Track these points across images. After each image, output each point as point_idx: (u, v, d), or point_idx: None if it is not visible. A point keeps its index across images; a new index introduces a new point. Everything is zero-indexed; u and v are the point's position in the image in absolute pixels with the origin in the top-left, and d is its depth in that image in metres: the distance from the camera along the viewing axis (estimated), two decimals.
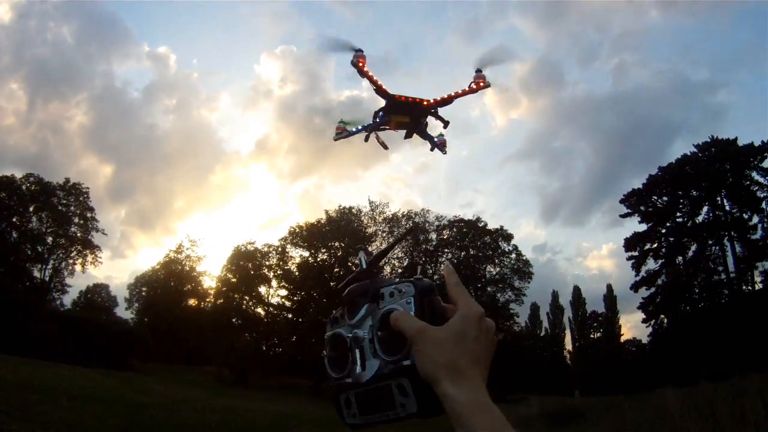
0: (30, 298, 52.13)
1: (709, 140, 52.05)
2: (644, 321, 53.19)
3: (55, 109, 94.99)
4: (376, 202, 60.28)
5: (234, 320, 57.45)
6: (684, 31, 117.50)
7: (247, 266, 58.59)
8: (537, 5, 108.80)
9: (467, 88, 13.80)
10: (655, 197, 53.13)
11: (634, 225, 55.75)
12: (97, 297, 63.43)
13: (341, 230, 55.34)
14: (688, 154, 52.66)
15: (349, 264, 55.32)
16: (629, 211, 55.10)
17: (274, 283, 59.64)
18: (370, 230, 57.95)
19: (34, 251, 57.02)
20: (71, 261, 58.89)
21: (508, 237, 59.52)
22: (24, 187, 57.62)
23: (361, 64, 13.21)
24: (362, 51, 13.42)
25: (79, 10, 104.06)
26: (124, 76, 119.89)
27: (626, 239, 54.81)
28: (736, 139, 50.49)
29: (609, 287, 65.42)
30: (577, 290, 65.65)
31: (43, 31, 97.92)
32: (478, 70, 13.95)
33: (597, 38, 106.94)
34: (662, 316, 52.41)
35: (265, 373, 52.93)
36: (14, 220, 56.78)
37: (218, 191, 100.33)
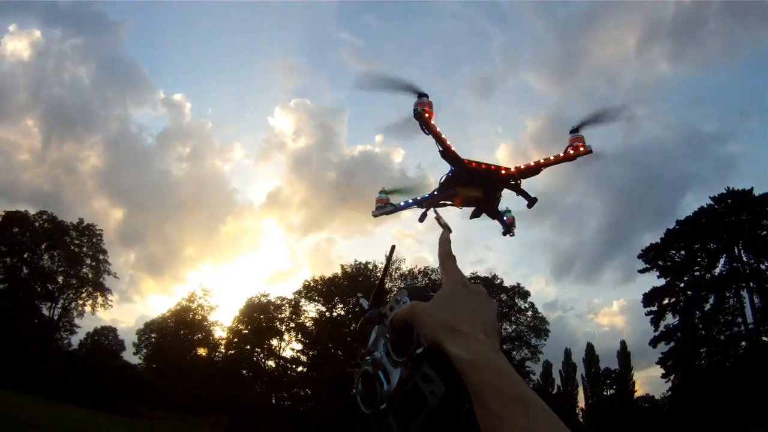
0: (38, 336, 50.93)
1: (725, 191, 52.42)
2: (664, 376, 52.34)
3: (70, 149, 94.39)
4: (393, 260, 59.33)
5: (244, 371, 56.23)
6: (692, 82, 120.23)
7: (260, 318, 57.98)
8: (548, 62, 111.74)
9: (562, 154, 10.89)
10: (673, 251, 53.50)
11: (650, 280, 55.63)
12: (104, 340, 61.70)
13: (358, 285, 55.01)
14: (705, 206, 53.15)
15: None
16: (647, 266, 55.01)
17: (286, 336, 59.07)
18: (386, 286, 57.18)
19: (45, 289, 55.94)
20: (81, 302, 57.99)
21: (525, 294, 59.40)
22: (37, 224, 57.26)
23: (427, 116, 10.23)
24: (428, 97, 10.36)
25: (97, 53, 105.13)
26: (139, 121, 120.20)
27: (645, 294, 54.32)
28: (751, 189, 50.70)
29: (623, 344, 64.63)
30: (590, 347, 64.79)
31: (61, 71, 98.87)
32: (574, 130, 11.00)
33: (608, 92, 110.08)
34: (680, 371, 51.70)
35: (274, 425, 51.18)
36: (26, 256, 56.04)
37: (229, 242, 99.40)
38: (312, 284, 58.38)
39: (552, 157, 11.02)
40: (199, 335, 62.16)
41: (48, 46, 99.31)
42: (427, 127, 10.51)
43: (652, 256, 54.27)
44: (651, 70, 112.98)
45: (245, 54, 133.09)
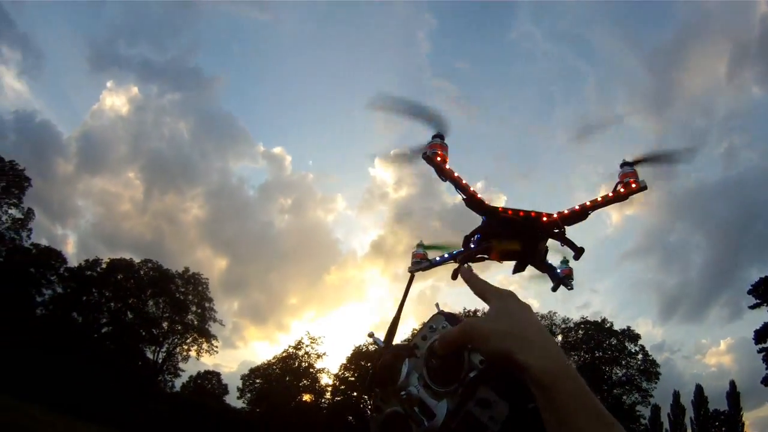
0: (142, 377, 51.56)
1: None
2: None
3: (171, 200, 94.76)
4: None
5: (350, 418, 55.64)
6: None
7: (367, 366, 55.99)
8: (642, 96, 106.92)
9: (612, 193, 8.46)
10: None
11: (761, 316, 52.62)
12: (207, 383, 62.16)
13: None
14: None
15: None
16: (758, 301, 52.12)
17: None
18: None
19: (149, 333, 56.47)
20: (186, 347, 58.57)
21: (635, 337, 56.67)
22: (142, 271, 58.07)
23: (439, 159, 7.91)
24: (443, 138, 8.19)
25: (194, 107, 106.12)
26: (239, 173, 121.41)
27: (756, 331, 51.80)
28: None
29: (732, 384, 61.70)
30: (699, 389, 61.98)
31: (160, 126, 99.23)
32: (628, 164, 8.71)
33: (704, 123, 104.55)
34: None
35: None
36: (130, 301, 56.67)
37: (333, 291, 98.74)
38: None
39: (600, 198, 8.35)
40: (305, 381, 60.99)
41: (146, 101, 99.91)
42: (441, 173, 7.94)
43: (762, 291, 51.08)
44: (744, 95, 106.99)
45: (342, 105, 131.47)
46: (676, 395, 63.51)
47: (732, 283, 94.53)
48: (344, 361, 60.73)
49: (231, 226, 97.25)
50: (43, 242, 59.42)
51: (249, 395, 60.54)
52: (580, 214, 8.42)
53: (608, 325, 56.90)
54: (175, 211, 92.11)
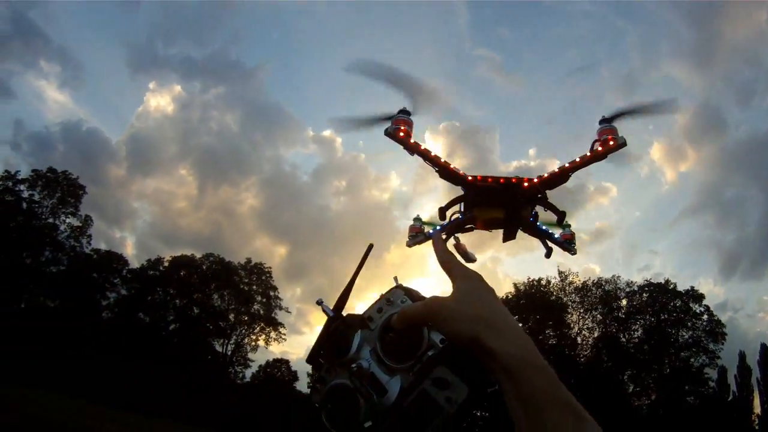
0: (213, 371, 52.35)
1: None
2: None
3: (226, 193, 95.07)
4: (565, 273, 57.59)
5: None
6: None
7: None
8: (686, 50, 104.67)
9: (589, 152, 8.51)
10: None
11: None
12: (277, 371, 63.04)
13: (535, 303, 53.62)
14: None
15: (541, 338, 53.59)
16: None
17: None
18: (560, 301, 55.92)
19: (216, 327, 57.35)
20: (254, 337, 59.21)
21: (699, 297, 55.17)
22: (204, 266, 58.69)
23: (402, 134, 8.23)
24: (408, 114, 8.46)
25: (240, 99, 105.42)
26: (291, 160, 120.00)
27: None
28: None
29: None
30: (764, 348, 61.39)
31: (207, 121, 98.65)
32: (605, 120, 8.59)
33: (751, 74, 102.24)
34: None
35: None
36: (195, 297, 57.42)
37: (395, 269, 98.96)
38: None
39: (578, 159, 8.48)
40: None
41: (190, 98, 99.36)
42: (406, 148, 8.34)
43: None
44: None
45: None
46: (742, 356, 62.86)
47: None
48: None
49: (288, 213, 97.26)
50: (102, 247, 60.39)
51: None
52: (560, 177, 8.43)
53: (671, 286, 56.60)
54: (230, 204, 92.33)
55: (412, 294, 1.02)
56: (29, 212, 57.86)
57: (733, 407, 59.96)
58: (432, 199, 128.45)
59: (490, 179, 8.70)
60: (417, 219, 10.51)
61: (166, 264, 59.21)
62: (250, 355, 59.20)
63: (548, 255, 9.47)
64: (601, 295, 55.83)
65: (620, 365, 52.81)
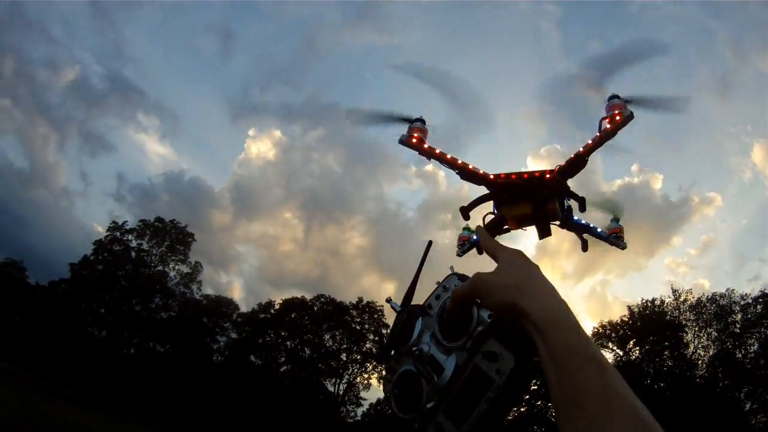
0: (324, 411, 52.85)
1: None
2: None
3: (332, 233, 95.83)
4: (679, 291, 55.85)
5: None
6: None
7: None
8: None
9: (599, 132, 8.51)
10: None
11: None
12: (388, 409, 62.68)
13: (652, 325, 53.65)
14: None
15: (658, 360, 53.77)
16: None
17: None
18: (676, 321, 55.79)
19: (328, 367, 57.63)
20: (366, 375, 59.37)
21: None
22: (315, 307, 59.25)
23: (415, 141, 8.23)
24: (423, 122, 8.51)
25: (340, 139, 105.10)
26: (395, 197, 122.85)
27: None
28: None
29: None
30: None
31: (309, 163, 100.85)
32: (615, 96, 8.66)
33: None
34: None
35: None
36: (306, 338, 58.04)
37: None
38: (601, 330, 57.55)
39: (590, 141, 8.84)
40: None
41: (290, 142, 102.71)
42: (421, 153, 8.65)
43: None
44: None
45: (484, 110, 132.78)
46: None
47: None
48: None
49: (394, 250, 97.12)
50: (210, 292, 61.57)
51: None
52: (577, 163, 8.85)
53: None
54: (336, 243, 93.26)
55: (464, 278, 1.10)
56: (138, 260, 59.33)
57: None
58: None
59: (513, 176, 9.28)
60: (466, 228, 11.32)
61: (276, 307, 59.97)
62: (363, 394, 59.11)
63: (584, 248, 10.41)
64: (715, 311, 55.14)
65: (737, 382, 52.25)
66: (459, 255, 10.70)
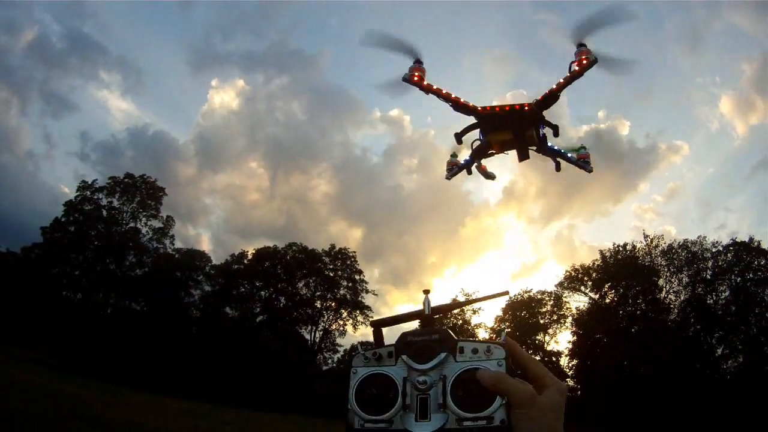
0: (302, 360, 53.17)
1: None
2: None
3: (297, 181, 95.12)
4: (650, 236, 57.01)
5: None
6: None
7: (523, 314, 57.69)
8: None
9: (569, 73, 10.31)
10: None
11: None
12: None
13: (627, 268, 53.76)
14: None
15: (632, 303, 54.26)
16: None
17: (551, 330, 58.40)
18: (650, 266, 55.83)
19: (304, 315, 58.30)
20: (341, 322, 59.70)
21: None
22: (288, 256, 59.34)
23: (416, 78, 10.41)
24: (421, 63, 10.57)
25: (304, 87, 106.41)
26: (361, 143, 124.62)
27: None
28: None
29: None
30: None
31: (273, 111, 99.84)
32: (581, 45, 10.28)
33: None
34: None
35: None
36: (280, 286, 58.37)
37: (471, 243, 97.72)
38: (573, 273, 57.39)
39: (562, 80, 10.39)
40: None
41: (254, 91, 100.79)
42: (422, 89, 10.48)
43: None
44: None
45: (451, 53, 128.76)
46: None
47: None
48: (499, 313, 60.56)
49: (361, 196, 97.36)
50: (179, 245, 61.06)
51: None
52: (551, 97, 9.88)
53: (755, 244, 54.58)
54: (303, 191, 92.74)
55: (516, 356, 1.05)
56: (110, 219, 59.06)
57: None
58: (504, 169, 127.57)
59: (497, 108, 10.35)
60: (452, 155, 12.53)
61: (249, 257, 59.96)
62: (339, 341, 60.04)
63: (557, 169, 11.54)
64: (687, 257, 55.60)
65: (708, 327, 52.82)
66: (447, 178, 11.83)
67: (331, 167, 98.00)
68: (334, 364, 59.70)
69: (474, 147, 10.93)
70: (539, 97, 10.26)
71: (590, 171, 11.61)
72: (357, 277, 60.03)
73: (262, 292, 58.34)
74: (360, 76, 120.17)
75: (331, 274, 59.65)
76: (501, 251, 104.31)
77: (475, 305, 57.97)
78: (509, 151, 11.12)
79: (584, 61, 10.25)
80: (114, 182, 59.49)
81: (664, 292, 54.92)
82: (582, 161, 11.47)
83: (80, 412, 16.12)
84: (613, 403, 45.28)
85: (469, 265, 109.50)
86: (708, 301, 54.14)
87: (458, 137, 10.63)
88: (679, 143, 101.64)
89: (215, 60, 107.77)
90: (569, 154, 11.43)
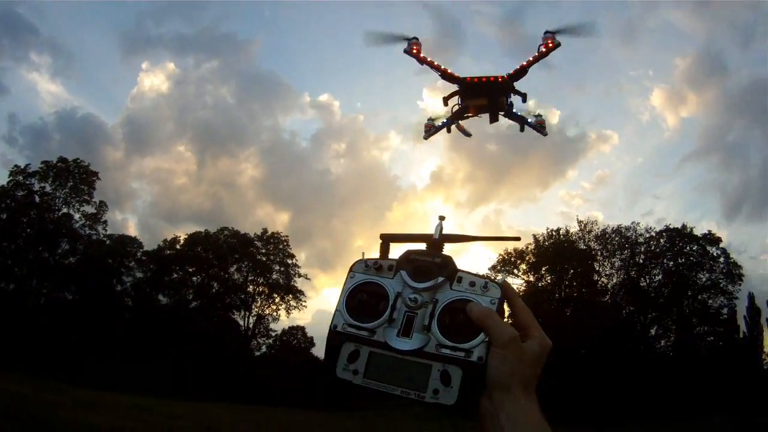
0: (237, 346, 52.32)
1: None
2: None
3: (225, 166, 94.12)
4: (584, 221, 57.96)
5: None
6: None
7: None
8: None
9: (537, 53, 13.08)
10: None
11: None
12: (293, 339, 62.51)
13: (565, 253, 54.12)
14: None
15: (569, 289, 54.46)
16: None
17: None
18: (587, 250, 56.20)
19: (237, 300, 57.79)
20: (275, 307, 59.37)
21: (716, 241, 55.65)
22: (220, 240, 58.73)
23: (415, 51, 12.90)
24: (417, 39, 13.13)
25: (234, 71, 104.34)
26: (290, 127, 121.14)
27: None
28: None
29: None
30: None
31: (202, 95, 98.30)
32: (547, 32, 13.09)
33: (750, 16, 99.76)
34: None
35: None
36: (212, 272, 57.72)
37: (398, 227, 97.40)
38: (506, 257, 57.52)
39: (531, 58, 13.01)
40: None
41: (184, 74, 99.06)
42: (418, 60, 12.88)
43: None
44: None
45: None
46: (751, 297, 62.83)
47: None
48: None
49: (289, 180, 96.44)
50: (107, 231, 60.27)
51: None
52: (521, 72, 13.50)
53: (688, 230, 56.32)
54: (230, 175, 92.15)
55: (511, 301, 1.04)
56: (42, 205, 57.92)
57: (743, 346, 60.18)
58: (432, 155, 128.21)
59: (476, 79, 12.86)
60: (429, 119, 14.89)
61: (181, 242, 59.31)
62: (273, 326, 59.76)
63: (522, 130, 14.25)
64: (620, 242, 56.26)
65: (642, 309, 53.25)
66: (425, 138, 15.35)
67: (259, 151, 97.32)
68: (266, 350, 58.78)
69: (454, 111, 13.71)
70: (511, 71, 12.84)
71: (545, 134, 14.50)
72: (289, 262, 59.66)
73: (194, 278, 57.33)
74: (290, 60, 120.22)
75: (264, 259, 58.94)
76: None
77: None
78: (483, 114, 13.91)
79: (550, 44, 12.95)
80: (47, 166, 58.36)
81: (597, 276, 55.30)
82: (539, 126, 14.27)
83: (16, 414, 15.07)
84: (550, 384, 45.06)
85: (396, 249, 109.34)
86: (641, 284, 54.49)
87: (445, 100, 13.42)
88: (609, 133, 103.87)
89: (146, 43, 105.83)
90: (529, 119, 14.04)
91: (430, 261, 1.04)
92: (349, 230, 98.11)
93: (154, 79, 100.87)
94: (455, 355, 0.95)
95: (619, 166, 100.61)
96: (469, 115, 13.82)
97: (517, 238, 1.50)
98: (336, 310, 1.02)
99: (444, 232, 1.16)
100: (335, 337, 1.00)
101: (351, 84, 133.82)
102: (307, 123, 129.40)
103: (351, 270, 1.08)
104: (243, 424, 25.25)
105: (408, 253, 1.07)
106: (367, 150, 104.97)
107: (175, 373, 42.16)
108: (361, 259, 1.09)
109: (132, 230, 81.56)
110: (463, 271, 1.03)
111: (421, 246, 1.15)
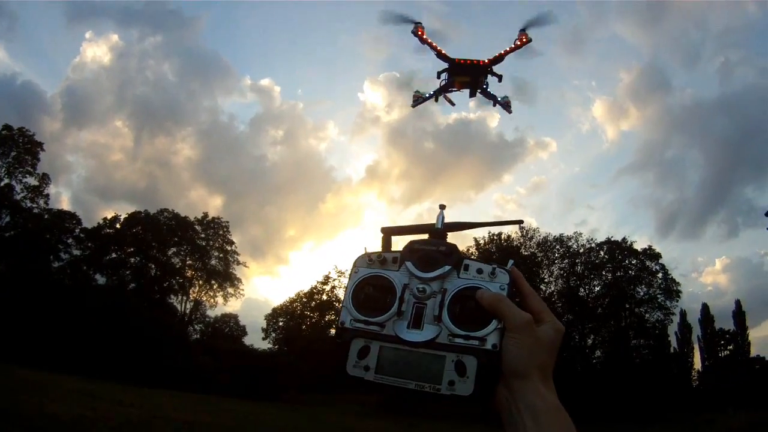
0: (174, 331, 51.40)
1: None
2: None
3: (161, 144, 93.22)
4: (526, 227, 57.75)
5: None
6: None
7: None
8: (635, 9, 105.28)
9: (513, 45, 16.50)
10: None
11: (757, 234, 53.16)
12: (225, 327, 62.38)
13: (510, 257, 53.31)
14: None
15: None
16: None
17: None
18: (533, 257, 56.50)
19: (175, 284, 56.90)
20: (212, 293, 58.63)
21: (655, 256, 57.03)
22: (160, 222, 57.64)
23: (420, 33, 15.98)
24: (421, 23, 16.34)
25: (177, 48, 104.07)
26: (229, 110, 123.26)
27: None
28: None
29: (738, 303, 62.36)
30: (705, 308, 62.87)
31: (143, 70, 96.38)
32: (522, 29, 16.49)
33: (698, 37, 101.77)
34: None
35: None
36: (150, 254, 56.60)
37: (330, 219, 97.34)
38: None
39: (508, 48, 16.34)
40: (331, 316, 59.96)
41: (127, 47, 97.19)
42: (420, 40, 15.80)
43: None
44: (739, 10, 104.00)
45: (327, 30, 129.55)
46: (683, 314, 64.25)
47: (728, 201, 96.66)
48: None
49: (224, 164, 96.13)
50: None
51: (274, 335, 60.70)
52: (499, 59, 18.18)
53: (627, 244, 57.38)
54: (166, 155, 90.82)
55: (519, 286, 1.02)
56: None
57: (674, 361, 61.13)
58: (369, 149, 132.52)
59: (464, 60, 16.01)
60: (416, 91, 18.70)
61: (121, 221, 57.98)
62: (210, 313, 59.03)
63: (494, 105, 18.25)
64: (562, 251, 56.75)
65: (581, 319, 53.54)
66: (412, 107, 21.15)
67: (197, 132, 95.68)
68: (198, 336, 57.67)
69: (441, 84, 17.09)
70: (492, 57, 15.96)
71: (510, 113, 18.59)
72: (228, 248, 58.69)
73: (132, 259, 56.04)
74: (234, 42, 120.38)
75: (203, 243, 57.94)
76: (360, 230, 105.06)
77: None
78: (464, 89, 17.30)
79: (524, 39, 16.28)
80: None
81: (537, 282, 55.70)
82: (506, 105, 18.03)
83: None
84: None
85: (327, 241, 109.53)
86: (580, 294, 54.90)
87: (439, 74, 16.81)
88: (547, 140, 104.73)
89: (92, 11, 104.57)
90: (500, 98, 17.56)
91: (435, 250, 1.02)
92: (281, 219, 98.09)
93: (97, 50, 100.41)
94: (469, 344, 0.93)
95: (555, 173, 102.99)
96: (454, 89, 17.27)
97: (520, 221, 1.43)
98: (342, 306, 1.00)
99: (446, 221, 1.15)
100: (344, 333, 0.98)
101: (293, 70, 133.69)
102: (246, 107, 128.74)
103: (354, 265, 1.05)
104: (190, 414, 24.10)
105: (412, 243, 1.04)
106: (305, 138, 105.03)
107: (116, 356, 41.14)
108: (363, 254, 1.05)
109: (66, 205, 79.66)
110: (469, 258, 1.02)
111: (424, 237, 1.11)
